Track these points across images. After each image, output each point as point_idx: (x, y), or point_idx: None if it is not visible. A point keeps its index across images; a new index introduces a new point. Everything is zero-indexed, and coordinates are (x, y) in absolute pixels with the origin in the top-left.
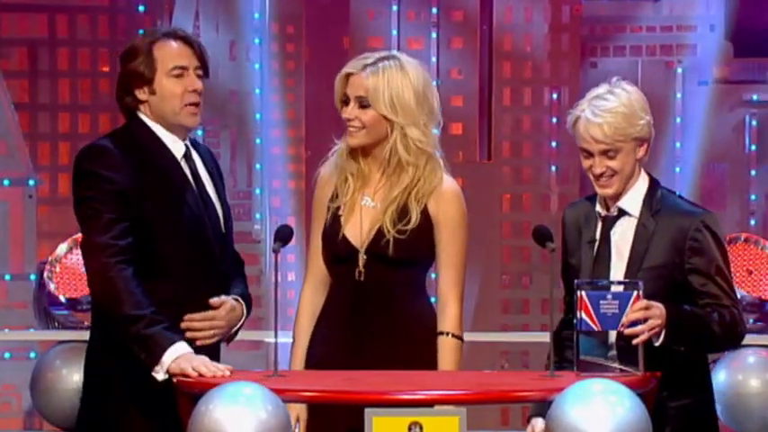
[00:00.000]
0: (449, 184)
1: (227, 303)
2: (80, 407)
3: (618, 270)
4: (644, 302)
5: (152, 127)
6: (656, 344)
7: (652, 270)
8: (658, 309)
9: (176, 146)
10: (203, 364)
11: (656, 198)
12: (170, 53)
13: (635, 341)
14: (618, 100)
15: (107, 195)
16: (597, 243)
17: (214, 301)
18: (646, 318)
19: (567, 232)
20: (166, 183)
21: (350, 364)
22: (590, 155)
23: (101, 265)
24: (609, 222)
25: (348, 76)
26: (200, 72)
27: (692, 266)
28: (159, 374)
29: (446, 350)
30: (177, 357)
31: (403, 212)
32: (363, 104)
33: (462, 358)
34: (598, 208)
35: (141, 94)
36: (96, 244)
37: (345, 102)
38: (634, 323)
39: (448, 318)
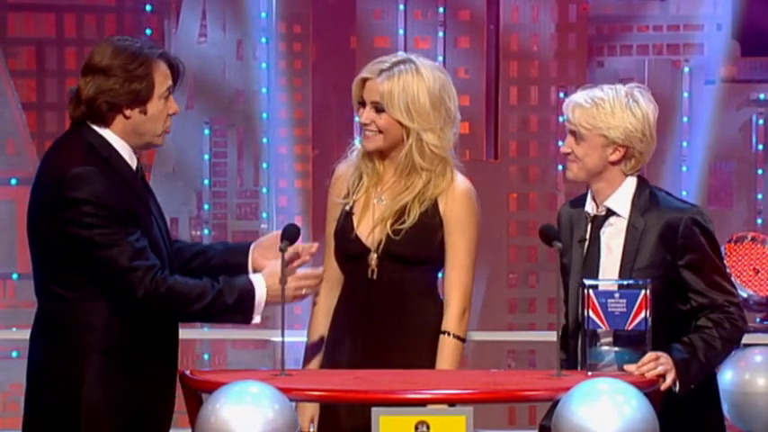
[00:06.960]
0: (460, 183)
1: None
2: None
3: (608, 270)
4: (654, 354)
5: (108, 138)
6: (677, 391)
7: (645, 270)
8: (665, 357)
9: (132, 158)
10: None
11: (644, 197)
12: (164, 74)
13: (663, 387)
14: (605, 95)
15: (110, 219)
16: (587, 242)
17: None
18: (657, 366)
19: (562, 231)
20: (139, 198)
21: (360, 363)
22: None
23: (147, 291)
24: (598, 222)
25: (364, 80)
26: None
27: (684, 263)
28: (257, 318)
29: (444, 349)
30: (264, 295)
31: (408, 213)
32: (379, 109)
33: (461, 359)
34: (588, 207)
35: (129, 112)
36: (127, 270)
37: (362, 105)
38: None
39: (449, 317)
